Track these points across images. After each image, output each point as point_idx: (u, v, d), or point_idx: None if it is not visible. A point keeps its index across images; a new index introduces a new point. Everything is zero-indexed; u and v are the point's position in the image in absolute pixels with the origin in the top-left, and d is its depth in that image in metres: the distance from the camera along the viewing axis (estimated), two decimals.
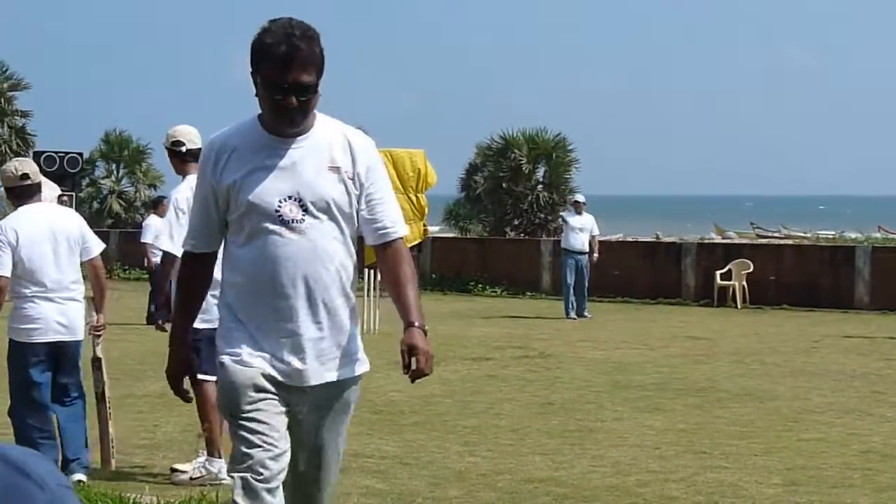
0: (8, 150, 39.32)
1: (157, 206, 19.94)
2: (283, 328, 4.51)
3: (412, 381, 4.60)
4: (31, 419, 7.73)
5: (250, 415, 4.48)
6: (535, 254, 28.00)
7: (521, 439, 9.61)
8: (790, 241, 40.71)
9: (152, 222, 19.67)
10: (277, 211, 4.48)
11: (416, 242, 24.65)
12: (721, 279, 25.53)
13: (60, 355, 7.84)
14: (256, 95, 4.51)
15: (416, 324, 4.59)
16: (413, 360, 4.53)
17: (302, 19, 4.53)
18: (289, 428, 4.57)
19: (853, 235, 45.83)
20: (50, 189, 8.58)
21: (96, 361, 8.33)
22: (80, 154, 26.68)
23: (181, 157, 8.29)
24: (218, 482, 7.80)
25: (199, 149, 7.92)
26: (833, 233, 51.92)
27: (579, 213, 22.74)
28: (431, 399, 11.63)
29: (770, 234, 53.83)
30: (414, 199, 23.59)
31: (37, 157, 25.82)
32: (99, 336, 8.25)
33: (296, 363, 4.50)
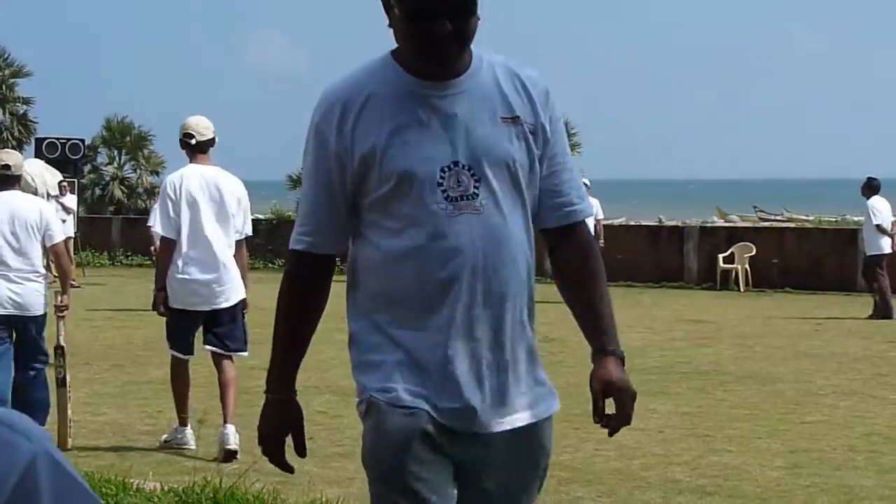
0: (10, 137, 39.37)
1: None
2: (455, 351, 3.18)
3: (611, 434, 3.30)
4: None
5: (415, 480, 3.18)
6: (537, 238, 27.96)
7: None
8: (793, 225, 40.72)
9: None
10: (440, 184, 3.15)
11: None
12: (724, 262, 25.53)
13: (18, 329, 8.48)
14: (390, 26, 3.22)
15: (614, 350, 3.31)
16: (610, 402, 3.25)
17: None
18: (464, 496, 3.28)
19: (856, 218, 45.77)
20: (51, 175, 8.97)
21: (59, 349, 8.81)
22: (82, 140, 26.65)
23: (190, 149, 8.78)
24: (181, 447, 8.68)
25: (209, 140, 8.68)
26: (835, 216, 51.91)
27: None
28: None
29: (772, 218, 53.83)
30: None
31: (38, 143, 25.82)
32: (63, 317, 8.80)
33: (473, 401, 3.19)
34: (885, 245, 19.31)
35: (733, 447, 8.90)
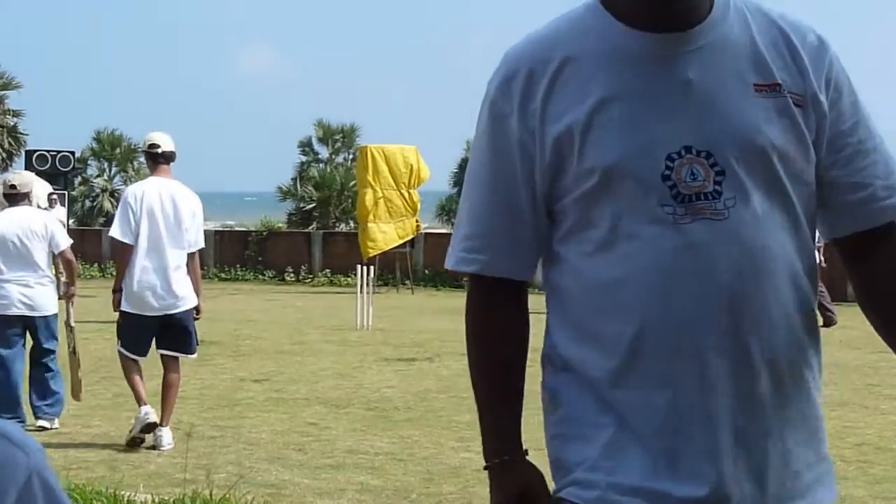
0: (0, 150, 39.30)
1: None
2: (689, 417, 2.24)
3: None
4: None
5: None
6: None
7: None
8: None
9: None
10: (667, 178, 2.22)
11: (409, 238, 24.70)
12: None
13: (30, 327, 9.77)
14: None
15: None
16: None
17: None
18: None
19: None
20: (42, 187, 9.76)
21: (69, 326, 10.01)
22: (72, 153, 26.68)
23: (155, 159, 9.42)
24: (145, 421, 9.03)
25: (172, 152, 9.36)
26: None
27: None
28: (426, 395, 11.63)
29: None
30: (406, 194, 23.63)
31: (29, 155, 25.82)
32: (71, 302, 10.06)
33: (718, 485, 2.22)
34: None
35: None
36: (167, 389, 9.27)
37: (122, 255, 9.31)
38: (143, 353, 9.34)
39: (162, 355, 9.37)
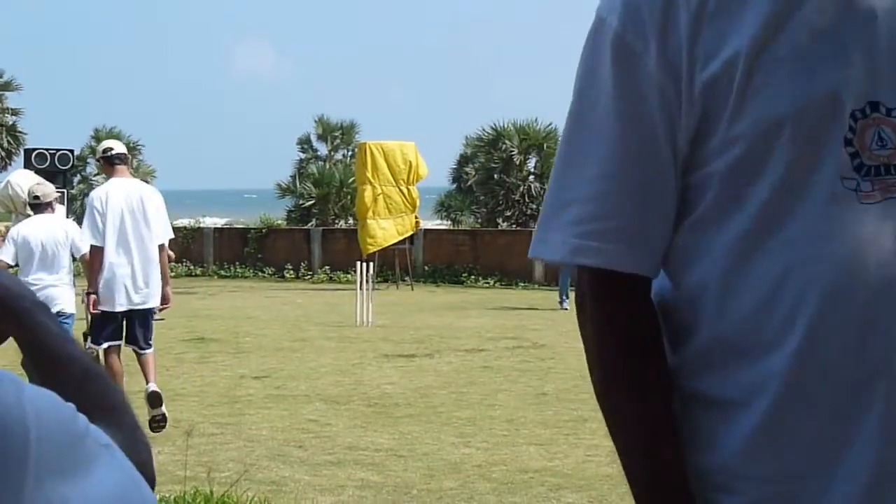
0: None
1: None
2: (867, 496, 1.64)
3: None
4: None
5: None
6: (527, 244, 27.39)
7: (516, 430, 9.62)
8: None
9: None
10: (849, 142, 1.65)
11: (408, 234, 24.73)
12: None
13: None
14: None
15: None
16: None
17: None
18: None
19: None
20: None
21: (85, 335, 10.27)
22: (71, 151, 26.60)
23: (111, 162, 9.94)
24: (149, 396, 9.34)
25: (126, 154, 9.94)
26: None
27: None
28: (426, 391, 11.64)
29: None
30: (405, 191, 23.65)
31: (28, 154, 25.78)
32: (90, 310, 10.15)
33: None
34: None
35: None
36: (144, 365, 9.69)
37: (95, 257, 9.77)
38: (113, 339, 9.75)
39: (133, 349, 9.83)
